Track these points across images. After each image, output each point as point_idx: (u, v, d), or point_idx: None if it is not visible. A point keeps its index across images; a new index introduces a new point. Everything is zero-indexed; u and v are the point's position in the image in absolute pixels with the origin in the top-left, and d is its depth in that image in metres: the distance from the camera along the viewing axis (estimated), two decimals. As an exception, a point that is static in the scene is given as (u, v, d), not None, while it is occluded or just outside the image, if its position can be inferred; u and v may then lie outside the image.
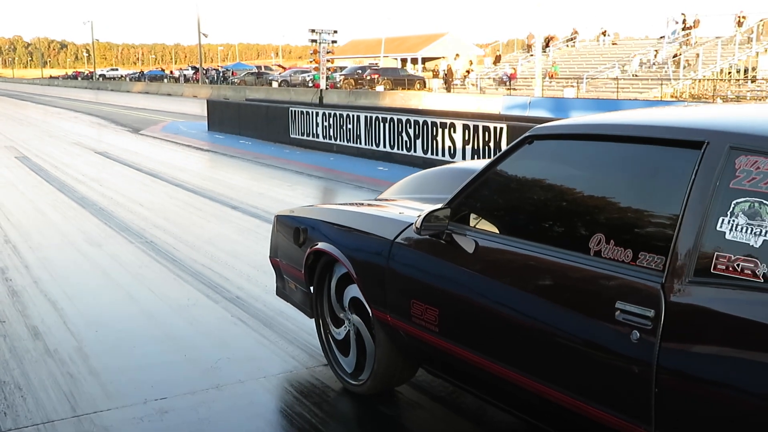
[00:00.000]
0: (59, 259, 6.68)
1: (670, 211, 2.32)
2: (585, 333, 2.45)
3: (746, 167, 2.15)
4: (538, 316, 2.64)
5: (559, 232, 2.78)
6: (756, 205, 2.09)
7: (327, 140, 16.01)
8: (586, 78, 33.48)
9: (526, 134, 2.97)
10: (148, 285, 5.85)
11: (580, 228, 2.65)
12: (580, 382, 2.50)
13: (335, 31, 20.65)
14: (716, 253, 2.15)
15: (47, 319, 4.99)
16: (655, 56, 33.83)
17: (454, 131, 12.39)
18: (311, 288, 4.08)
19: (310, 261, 3.97)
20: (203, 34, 55.57)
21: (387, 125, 14.11)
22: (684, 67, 31.32)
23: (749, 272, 2.07)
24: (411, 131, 13.44)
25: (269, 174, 12.74)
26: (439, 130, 12.73)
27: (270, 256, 4.58)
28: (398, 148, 13.80)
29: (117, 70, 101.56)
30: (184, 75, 68.06)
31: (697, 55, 31.39)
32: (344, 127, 15.42)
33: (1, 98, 48.16)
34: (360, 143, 14.93)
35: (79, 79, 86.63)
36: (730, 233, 2.13)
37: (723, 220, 2.15)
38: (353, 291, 3.75)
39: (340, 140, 15.57)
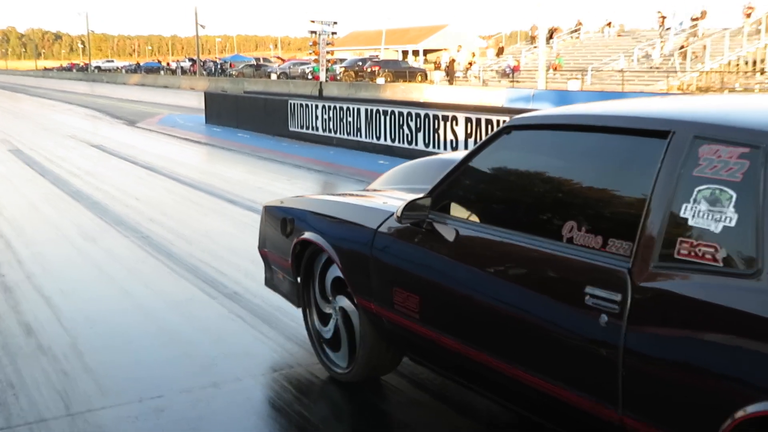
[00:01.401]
0: (53, 254, 6.66)
1: (639, 199, 2.43)
2: (557, 318, 2.56)
3: (708, 156, 2.27)
4: (513, 302, 2.75)
5: (535, 220, 2.88)
6: (717, 192, 2.20)
7: (327, 133, 15.99)
8: (591, 70, 33.42)
9: (504, 125, 3.10)
10: (143, 280, 5.83)
11: (554, 216, 2.78)
12: (552, 366, 2.60)
13: (335, 23, 20.63)
14: (680, 238, 2.27)
15: (40, 315, 4.97)
16: (662, 48, 33.79)
17: (456, 124, 12.36)
18: (298, 278, 4.14)
19: (297, 251, 4.05)
20: (201, 26, 55.51)
21: (388, 118, 14.08)
22: (691, 59, 31.26)
23: (710, 257, 2.18)
24: (412, 124, 13.41)
25: (267, 168, 12.71)
26: (441, 123, 12.71)
27: (259, 247, 4.64)
28: (399, 142, 13.77)
29: (113, 61, 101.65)
30: (181, 67, 68.02)
31: (705, 46, 31.32)
32: (344, 120, 15.39)
33: (-6, 90, 48.12)
34: (360, 136, 14.90)
35: (74, 70, 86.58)
36: (692, 219, 2.25)
37: (686, 206, 2.27)
38: (336, 271, 3.83)
39: (340, 133, 15.54)
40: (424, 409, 3.72)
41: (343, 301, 3.83)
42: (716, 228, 2.17)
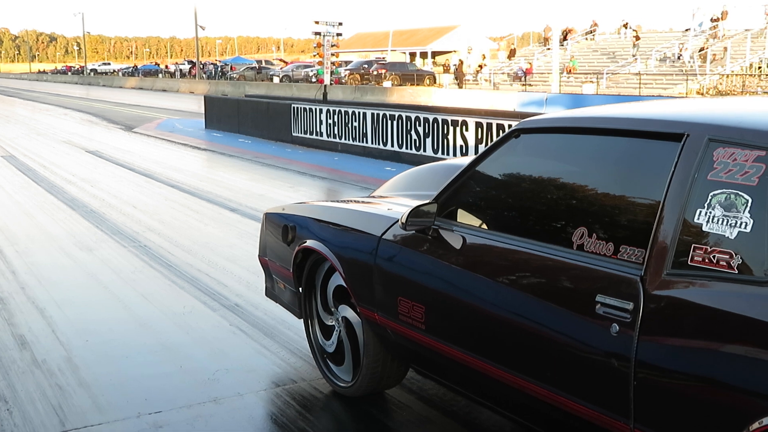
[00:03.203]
0: (48, 264, 6.69)
1: (651, 204, 2.44)
2: (568, 328, 2.57)
3: (724, 159, 2.28)
4: (521, 312, 2.77)
5: (545, 226, 2.90)
6: (732, 196, 2.21)
7: (331, 139, 16.03)
8: (607, 73, 33.43)
9: (513, 128, 3.11)
10: (141, 291, 5.86)
11: (564, 222, 2.80)
12: (562, 378, 2.61)
13: (340, 24, 20.68)
14: (693, 245, 2.27)
15: (35, 328, 5.00)
16: (680, 50, 33.76)
17: (466, 129, 12.38)
18: (300, 288, 4.17)
19: (299, 259, 4.07)
20: (200, 27, 55.74)
21: (395, 123, 14.11)
22: (711, 62, 31.23)
23: (724, 264, 2.19)
24: (420, 129, 13.44)
25: (270, 174, 12.75)
26: (450, 128, 12.73)
27: (259, 255, 4.67)
28: (407, 147, 13.80)
29: (109, 64, 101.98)
30: (180, 70, 68.22)
31: (725, 48, 31.30)
32: (349, 125, 15.43)
33: (-13, 94, 48.39)
34: (366, 142, 14.94)
35: (70, 73, 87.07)
36: (707, 225, 2.26)
37: (700, 212, 2.27)
38: (339, 280, 3.86)
39: (345, 139, 15.58)
40: (432, 426, 3.72)
41: (347, 311, 3.85)
42: (731, 234, 2.18)
